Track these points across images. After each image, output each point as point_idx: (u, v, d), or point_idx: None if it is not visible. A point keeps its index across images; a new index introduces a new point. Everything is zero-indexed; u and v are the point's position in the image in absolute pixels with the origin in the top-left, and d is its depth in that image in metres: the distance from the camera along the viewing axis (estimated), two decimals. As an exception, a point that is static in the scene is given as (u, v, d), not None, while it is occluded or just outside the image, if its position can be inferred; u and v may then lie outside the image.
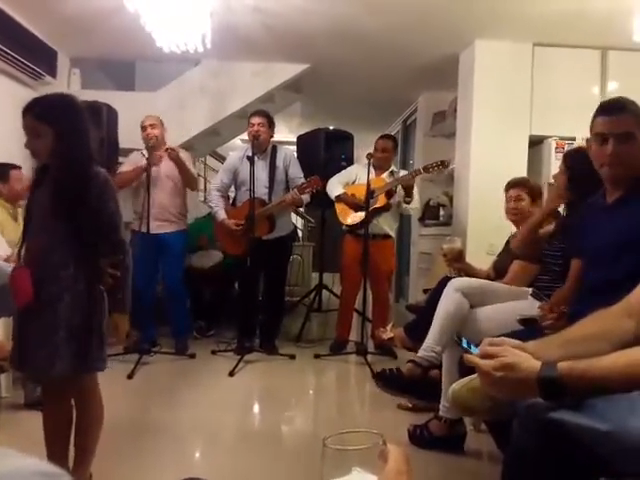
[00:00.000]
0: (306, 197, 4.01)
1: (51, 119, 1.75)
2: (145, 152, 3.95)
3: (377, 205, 4.01)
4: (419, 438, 2.43)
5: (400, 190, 4.07)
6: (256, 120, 3.98)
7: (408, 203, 4.08)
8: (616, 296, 1.26)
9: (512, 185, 2.82)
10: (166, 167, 3.91)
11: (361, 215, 3.95)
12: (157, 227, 3.90)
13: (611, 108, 1.64)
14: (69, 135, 1.76)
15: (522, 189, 2.77)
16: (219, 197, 4.14)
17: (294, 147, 5.02)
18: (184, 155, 4.05)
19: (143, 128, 3.91)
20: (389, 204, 4.08)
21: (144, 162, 3.81)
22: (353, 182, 4.21)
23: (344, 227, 4.26)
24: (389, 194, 4.05)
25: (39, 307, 1.74)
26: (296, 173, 4.10)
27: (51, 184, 1.78)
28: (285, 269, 4.33)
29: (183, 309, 4.12)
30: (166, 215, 3.95)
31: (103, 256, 1.80)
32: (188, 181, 4.03)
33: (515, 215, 2.80)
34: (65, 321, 1.72)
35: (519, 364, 1.05)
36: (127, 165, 3.99)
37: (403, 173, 4.33)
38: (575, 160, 2.25)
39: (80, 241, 1.75)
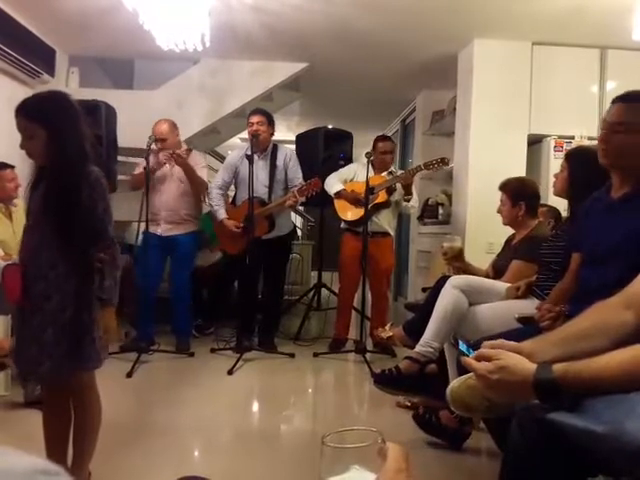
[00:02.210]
0: (301, 198, 4.01)
1: (42, 119, 1.72)
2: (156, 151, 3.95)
3: (378, 201, 4.01)
4: (426, 422, 2.43)
5: (400, 188, 4.07)
6: (255, 119, 3.98)
7: (408, 201, 4.08)
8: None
9: (499, 189, 2.82)
10: (177, 170, 3.90)
11: (361, 211, 3.94)
12: (167, 230, 3.92)
13: (618, 98, 1.60)
14: (61, 134, 1.73)
15: (504, 193, 2.76)
16: (220, 196, 4.13)
17: (293, 146, 5.02)
18: (197, 158, 4.01)
19: (156, 141, 3.86)
20: (389, 200, 4.08)
21: (157, 161, 3.83)
22: (351, 180, 4.21)
23: (342, 225, 4.25)
24: (389, 191, 4.05)
25: (30, 306, 1.73)
26: (295, 173, 4.09)
27: (44, 184, 1.77)
28: (284, 268, 4.33)
29: (187, 309, 4.12)
30: (176, 217, 3.95)
31: (94, 250, 1.78)
32: (195, 187, 3.98)
33: (502, 219, 2.82)
34: (54, 320, 1.71)
35: (514, 367, 1.06)
36: (140, 167, 3.95)
37: (402, 172, 4.32)
38: (576, 160, 2.25)
39: (70, 241, 1.73)
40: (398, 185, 4.06)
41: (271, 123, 4.05)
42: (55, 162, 1.74)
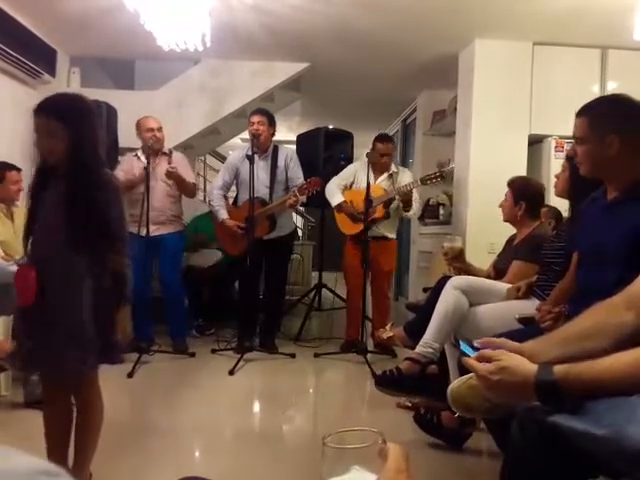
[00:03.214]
0: (302, 198, 4.00)
1: (66, 119, 1.74)
2: (140, 154, 3.95)
3: (375, 216, 3.98)
4: (427, 422, 2.44)
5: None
6: (256, 119, 3.97)
7: (407, 212, 4.08)
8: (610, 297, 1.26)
9: (507, 184, 2.84)
10: (161, 171, 3.90)
11: (360, 226, 3.93)
12: (154, 230, 3.90)
13: (578, 111, 1.71)
14: (81, 135, 1.76)
15: (509, 189, 2.79)
16: (221, 196, 4.13)
17: (294, 146, 5.02)
18: (180, 160, 4.02)
19: (149, 130, 3.88)
20: (388, 213, 4.06)
21: (141, 166, 3.81)
22: (352, 183, 4.19)
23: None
24: (387, 203, 4.03)
25: (52, 306, 1.73)
26: (296, 173, 4.09)
27: (61, 185, 1.77)
28: (286, 268, 4.32)
29: (181, 309, 4.12)
30: (162, 218, 3.95)
31: (111, 253, 1.81)
32: (185, 192, 4.04)
33: (503, 214, 2.83)
34: (81, 319, 1.73)
35: (515, 368, 1.06)
36: (121, 171, 3.90)
37: (402, 171, 4.30)
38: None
39: (90, 241, 1.76)
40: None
41: (272, 123, 4.05)
42: (75, 164, 1.76)
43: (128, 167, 3.95)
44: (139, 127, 3.94)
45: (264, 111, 4.07)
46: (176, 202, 4.05)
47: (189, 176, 4.04)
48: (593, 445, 0.96)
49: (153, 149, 3.85)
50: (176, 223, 4.06)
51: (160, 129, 3.93)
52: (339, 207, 4.11)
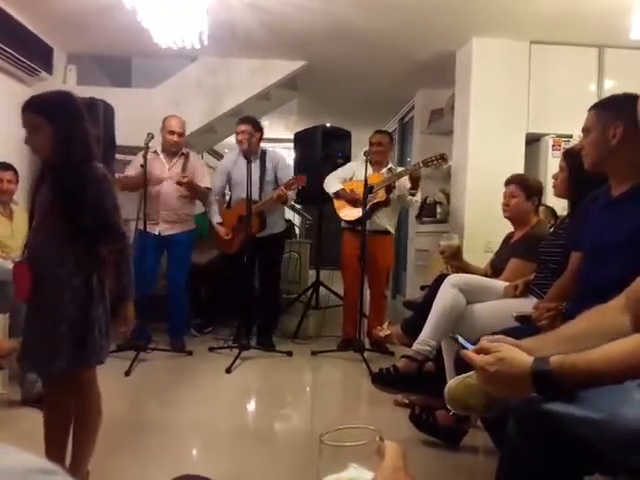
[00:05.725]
0: (292, 194, 4.05)
1: (48, 114, 1.75)
2: (160, 151, 3.99)
3: (377, 200, 4.01)
4: (422, 421, 2.44)
5: (402, 183, 4.05)
6: (241, 128, 4.02)
7: (414, 195, 4.07)
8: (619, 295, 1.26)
9: (508, 182, 2.82)
10: (177, 171, 3.95)
11: (360, 210, 3.95)
12: (166, 229, 3.95)
13: (590, 107, 1.76)
14: (65, 129, 1.76)
15: (517, 186, 2.76)
16: (215, 201, 4.22)
17: (291, 144, 5.02)
18: (196, 163, 4.08)
19: (170, 132, 3.92)
20: (388, 199, 4.08)
21: (159, 164, 3.87)
22: (350, 179, 4.21)
23: (343, 223, 4.25)
24: (388, 189, 4.05)
25: (39, 303, 1.75)
26: (286, 173, 4.18)
27: (50, 181, 1.78)
28: (279, 266, 4.37)
29: (183, 309, 4.13)
30: (174, 217, 3.99)
31: (103, 244, 1.81)
32: (198, 198, 4.12)
33: (506, 212, 2.80)
34: (64, 317, 1.73)
35: (513, 359, 1.06)
36: (133, 168, 3.93)
37: (401, 170, 4.31)
38: (575, 159, 2.25)
39: (77, 236, 1.75)
40: (398, 182, 4.06)
41: (257, 129, 4.07)
42: (59, 157, 1.76)
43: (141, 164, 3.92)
44: (163, 125, 3.98)
45: (249, 119, 4.10)
46: (188, 202, 4.07)
47: (204, 180, 4.08)
48: (591, 431, 0.97)
49: (170, 151, 3.96)
50: (188, 222, 4.08)
51: (182, 134, 3.98)
52: (337, 194, 4.16)
